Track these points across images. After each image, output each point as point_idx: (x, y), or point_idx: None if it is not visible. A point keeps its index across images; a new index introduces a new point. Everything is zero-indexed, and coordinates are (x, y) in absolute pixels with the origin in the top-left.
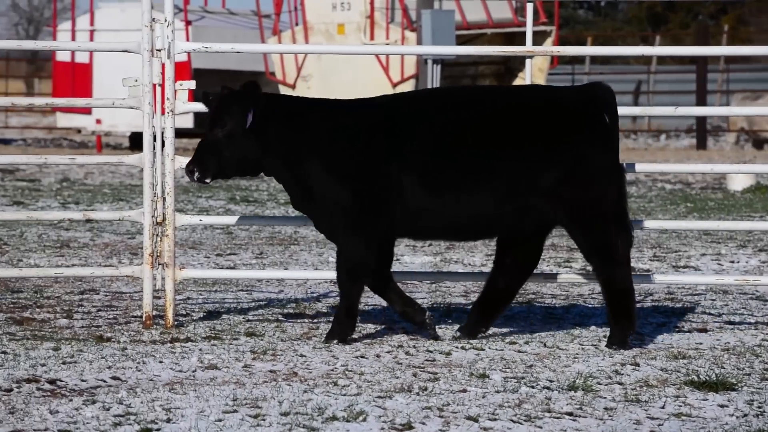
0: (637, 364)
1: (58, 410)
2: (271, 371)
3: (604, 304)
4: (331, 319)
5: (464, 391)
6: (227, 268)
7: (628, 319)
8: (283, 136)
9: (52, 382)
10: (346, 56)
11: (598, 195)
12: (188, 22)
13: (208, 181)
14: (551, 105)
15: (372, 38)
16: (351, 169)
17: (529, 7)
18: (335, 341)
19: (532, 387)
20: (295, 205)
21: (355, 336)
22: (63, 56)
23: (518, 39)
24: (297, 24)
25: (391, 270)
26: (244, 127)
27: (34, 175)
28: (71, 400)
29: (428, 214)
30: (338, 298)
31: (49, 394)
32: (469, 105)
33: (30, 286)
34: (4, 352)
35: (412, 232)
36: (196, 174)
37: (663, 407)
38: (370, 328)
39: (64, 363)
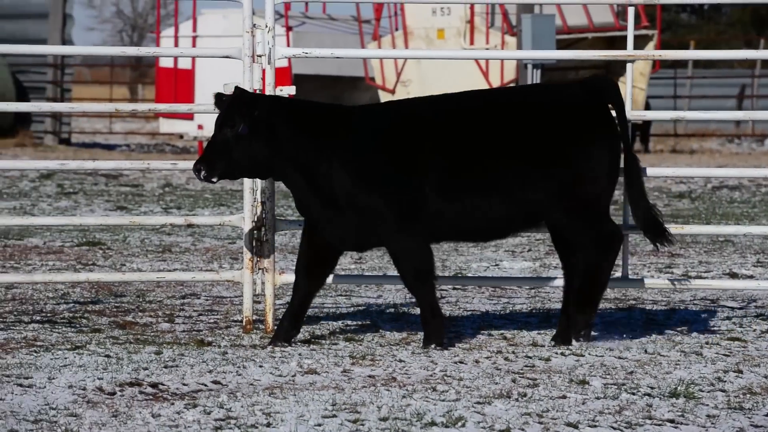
0: (740, 371)
1: (160, 414)
2: (370, 376)
3: (578, 293)
4: None
5: (564, 397)
6: None
7: (593, 310)
8: (297, 140)
9: (154, 385)
10: (445, 61)
11: (600, 191)
12: (289, 28)
13: (214, 180)
14: (557, 102)
15: (472, 43)
16: (380, 175)
17: (631, 11)
18: (433, 345)
19: (633, 394)
20: (301, 209)
21: (453, 341)
22: (166, 62)
23: (619, 43)
24: (397, 29)
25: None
26: (254, 128)
27: (138, 180)
28: (173, 404)
29: (444, 216)
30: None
31: (151, 397)
32: (475, 108)
33: (133, 291)
34: (108, 356)
35: (431, 234)
36: (203, 173)
37: (767, 415)
38: (469, 333)
39: (165, 367)
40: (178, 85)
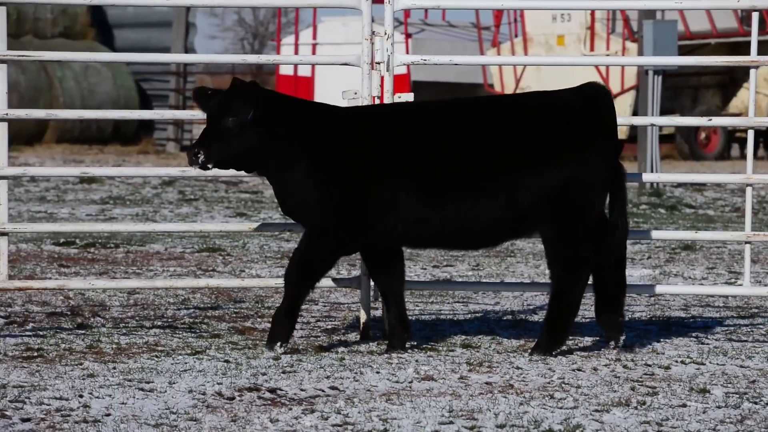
0: None
1: (278, 419)
2: (487, 383)
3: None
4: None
5: (684, 406)
6: (444, 280)
7: (563, 335)
8: (285, 136)
9: (272, 390)
10: (565, 68)
11: (589, 200)
12: (408, 35)
13: (210, 166)
14: (548, 109)
15: (592, 49)
16: (332, 175)
17: (755, 16)
18: (278, 344)
19: (755, 403)
20: (284, 210)
21: (571, 348)
22: (286, 69)
23: (743, 49)
24: (516, 36)
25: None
26: (251, 119)
27: (257, 187)
28: (291, 409)
29: (425, 223)
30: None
31: (269, 402)
32: (466, 114)
33: (252, 296)
34: (227, 361)
35: (410, 240)
36: (201, 158)
37: None
38: (587, 341)
39: (284, 372)
40: (298, 92)
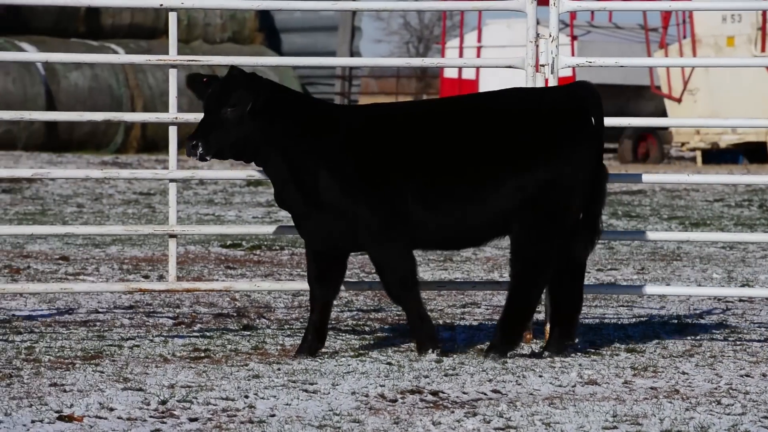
0: None
1: (440, 422)
2: (651, 388)
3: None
4: (710, 336)
5: None
6: (608, 283)
7: (518, 336)
8: (289, 130)
9: (434, 393)
10: (735, 69)
11: (570, 203)
12: (574, 37)
13: (209, 158)
14: (537, 108)
15: (763, 50)
16: (367, 181)
17: None
18: (431, 350)
19: None
20: (280, 202)
21: (739, 353)
22: (450, 72)
23: None
24: (685, 37)
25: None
26: (251, 109)
27: None
28: (453, 412)
29: (423, 225)
30: (705, 314)
31: (431, 405)
32: (455, 113)
33: None
34: (390, 363)
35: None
36: (200, 150)
37: None
38: (756, 345)
39: (446, 375)
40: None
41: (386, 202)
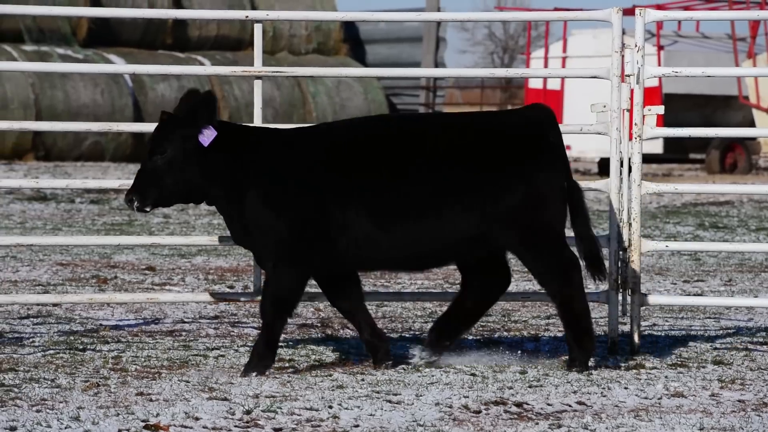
0: None
1: None
2: (739, 401)
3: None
4: None
5: None
6: (694, 294)
7: (590, 341)
8: (222, 164)
9: (518, 404)
10: None
11: (549, 217)
12: (660, 47)
13: (148, 210)
14: (496, 130)
15: None
16: (288, 200)
17: None
18: (254, 374)
19: None
20: (236, 240)
21: None
22: (535, 83)
23: None
24: None
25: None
26: (185, 152)
27: None
28: (537, 424)
29: (375, 245)
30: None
31: (515, 416)
32: (414, 134)
33: (498, 310)
34: (473, 374)
35: (360, 263)
36: (135, 204)
37: None
38: None
39: (530, 386)
40: (548, 105)
41: (300, 226)
